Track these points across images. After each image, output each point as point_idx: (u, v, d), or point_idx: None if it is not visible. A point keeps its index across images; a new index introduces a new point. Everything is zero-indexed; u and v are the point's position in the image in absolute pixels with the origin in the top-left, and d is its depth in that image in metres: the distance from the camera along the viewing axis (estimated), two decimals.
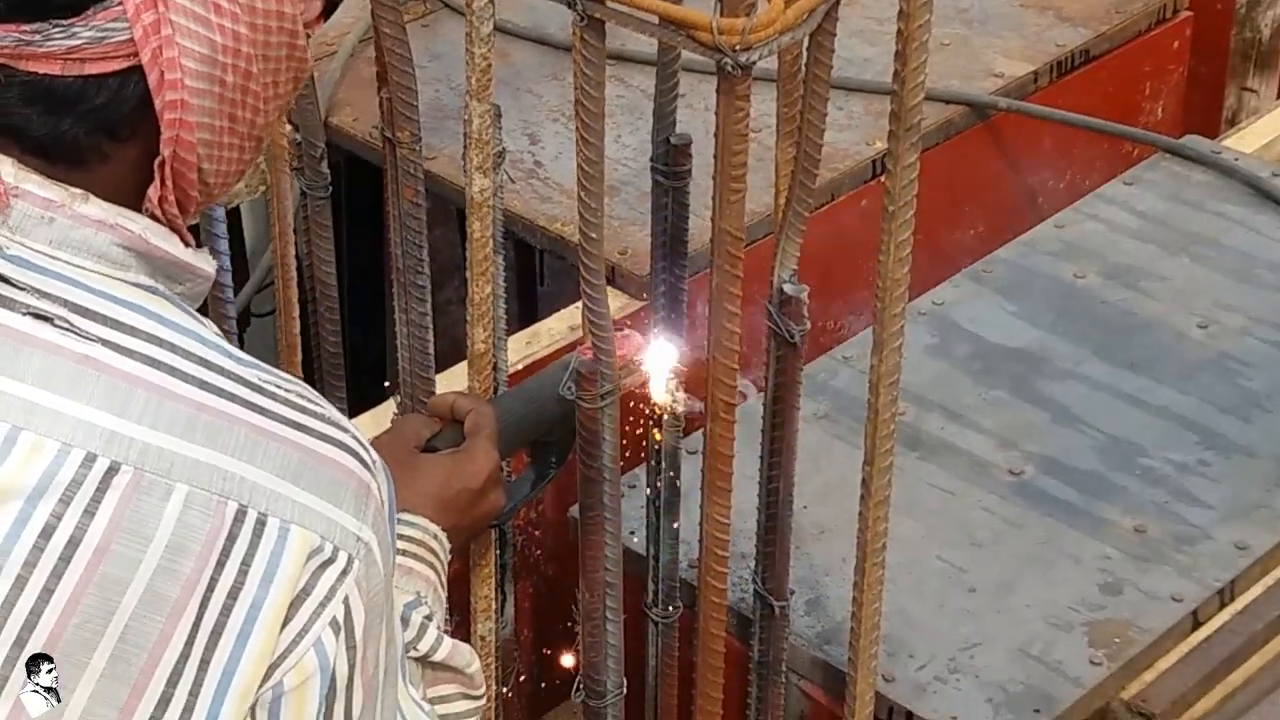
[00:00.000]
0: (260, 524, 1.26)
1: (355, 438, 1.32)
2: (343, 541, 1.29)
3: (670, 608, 2.10)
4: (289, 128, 2.10)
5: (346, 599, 1.29)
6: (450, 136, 3.04)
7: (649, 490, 2.05)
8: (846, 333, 2.98)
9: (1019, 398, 2.65)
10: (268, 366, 1.32)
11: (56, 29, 1.26)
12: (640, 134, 3.07)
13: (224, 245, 2.12)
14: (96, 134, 1.29)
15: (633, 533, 2.28)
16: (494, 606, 2.01)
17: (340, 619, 1.29)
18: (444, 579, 1.72)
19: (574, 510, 2.04)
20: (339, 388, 2.22)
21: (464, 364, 1.96)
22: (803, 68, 1.77)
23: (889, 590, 2.03)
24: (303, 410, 1.30)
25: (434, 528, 1.72)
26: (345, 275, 3.04)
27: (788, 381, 1.92)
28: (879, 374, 1.86)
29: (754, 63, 1.57)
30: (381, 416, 2.36)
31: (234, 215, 3.51)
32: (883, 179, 1.78)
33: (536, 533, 2.71)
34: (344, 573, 1.29)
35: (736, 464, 1.88)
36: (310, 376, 2.18)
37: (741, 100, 1.62)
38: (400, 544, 1.66)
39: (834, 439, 2.57)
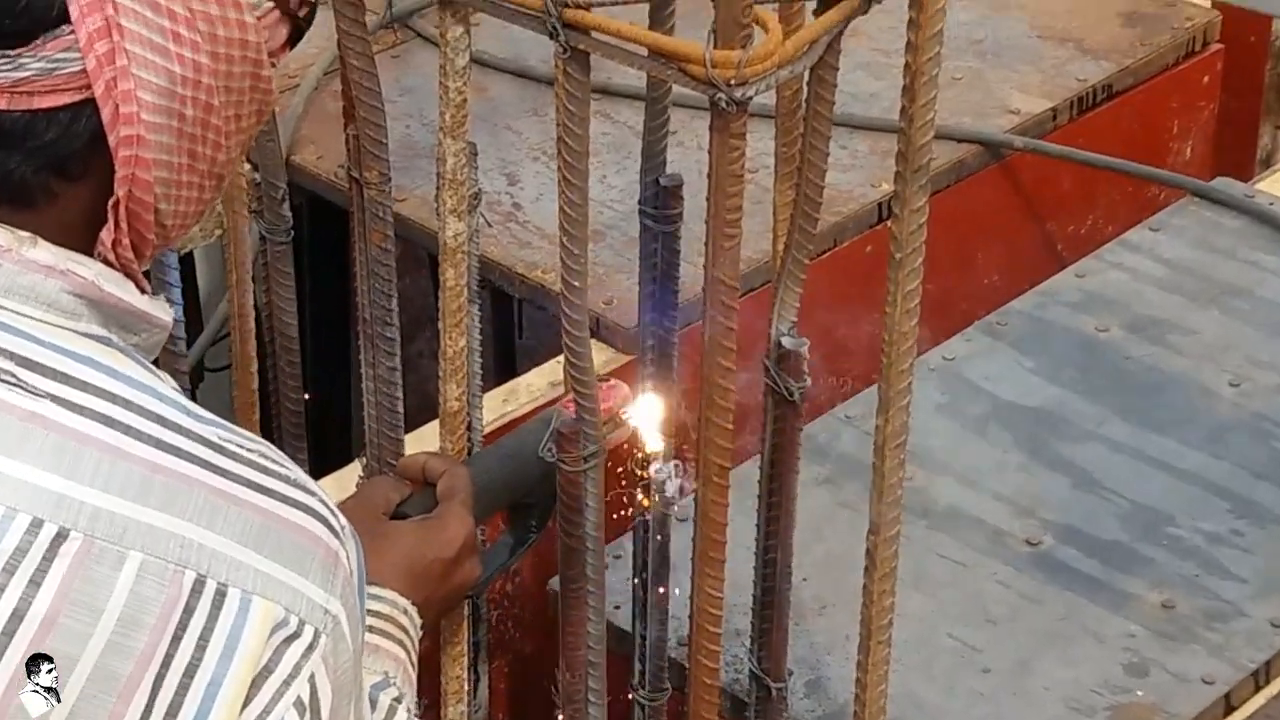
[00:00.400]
0: (220, 595, 1.26)
1: (323, 502, 1.33)
2: (309, 614, 1.29)
3: (658, 689, 2.11)
4: (248, 167, 2.11)
5: (312, 677, 1.29)
6: (422, 177, 3.05)
7: (635, 561, 2.05)
8: (849, 390, 2.99)
9: (1036, 461, 2.66)
10: (228, 424, 1.32)
11: (2, 60, 1.27)
12: (628, 174, 3.08)
13: (177, 294, 2.13)
14: (45, 172, 1.29)
15: (618, 607, 2.28)
16: (466, 688, 2.01)
17: (305, 699, 1.29)
18: (414, 658, 1.72)
19: (554, 582, 2.04)
20: (300, 448, 2.23)
21: (435, 423, 1.96)
22: (803, 103, 1.78)
23: (896, 670, 2.03)
24: (266, 472, 1.31)
25: (404, 602, 1.72)
26: (307, 326, 3.05)
27: (786, 443, 1.93)
28: (885, 435, 1.87)
29: (750, 98, 1.58)
30: (346, 480, 2.36)
31: (187, 261, 3.52)
32: (889, 224, 1.79)
33: (513, 607, 2.71)
34: (310, 648, 1.29)
35: (731, 532, 1.88)
36: (269, 435, 2.19)
37: (737, 138, 1.63)
38: (368, 619, 1.66)
39: (836, 506, 2.58)
